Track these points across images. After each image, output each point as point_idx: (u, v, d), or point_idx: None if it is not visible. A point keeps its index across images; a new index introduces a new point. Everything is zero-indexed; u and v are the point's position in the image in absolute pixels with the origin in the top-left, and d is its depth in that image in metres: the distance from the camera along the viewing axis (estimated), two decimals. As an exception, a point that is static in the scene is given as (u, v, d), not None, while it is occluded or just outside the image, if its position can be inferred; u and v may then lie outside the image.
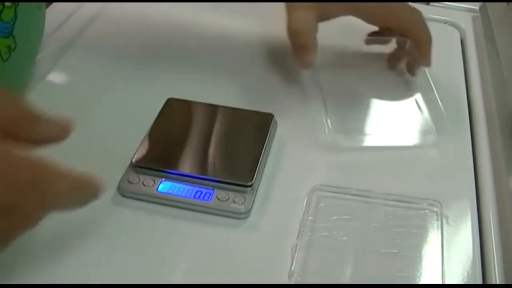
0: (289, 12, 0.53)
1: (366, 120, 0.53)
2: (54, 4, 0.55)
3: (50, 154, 0.48)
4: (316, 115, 0.53)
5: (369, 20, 0.55)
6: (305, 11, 0.53)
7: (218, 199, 0.43)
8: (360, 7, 0.53)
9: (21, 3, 0.46)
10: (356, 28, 0.56)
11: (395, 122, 0.53)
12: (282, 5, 0.70)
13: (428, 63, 0.55)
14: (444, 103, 0.54)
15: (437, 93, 0.54)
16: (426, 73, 0.55)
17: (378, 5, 0.54)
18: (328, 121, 0.52)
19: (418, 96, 0.55)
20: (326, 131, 0.51)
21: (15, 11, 0.46)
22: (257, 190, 0.45)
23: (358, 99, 0.55)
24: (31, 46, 0.52)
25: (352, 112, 0.54)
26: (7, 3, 0.44)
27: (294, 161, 0.49)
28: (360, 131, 0.52)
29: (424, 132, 0.52)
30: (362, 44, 0.59)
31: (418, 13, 0.55)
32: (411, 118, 0.53)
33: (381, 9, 0.54)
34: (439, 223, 0.43)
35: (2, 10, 0.44)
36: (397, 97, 0.56)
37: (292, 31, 0.53)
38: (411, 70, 0.57)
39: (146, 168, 0.45)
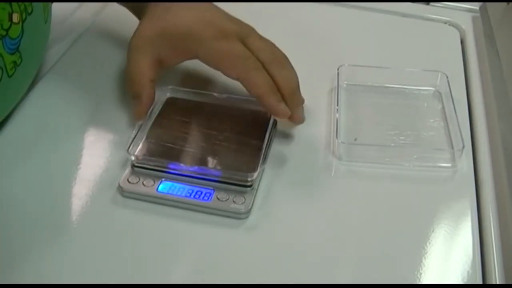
0: (128, 56, 0.51)
1: (369, 123, 0.53)
2: (54, 4, 0.55)
3: (50, 153, 0.48)
4: (318, 114, 0.53)
5: (214, 67, 0.50)
6: (142, 58, 0.50)
7: (218, 199, 0.43)
8: (200, 54, 0.49)
9: (28, 19, 0.46)
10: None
11: (397, 122, 0.53)
12: (280, 5, 0.70)
13: (277, 115, 0.48)
14: (443, 104, 0.54)
15: (439, 94, 0.55)
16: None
17: (218, 52, 0.48)
18: (333, 122, 0.52)
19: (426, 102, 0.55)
20: (330, 131, 0.51)
21: (22, 28, 0.46)
22: (257, 190, 0.45)
23: (360, 101, 0.55)
24: (36, 59, 0.52)
25: (355, 114, 0.54)
26: (14, 20, 0.44)
27: (295, 161, 0.49)
28: (364, 137, 0.51)
29: (424, 134, 0.52)
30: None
31: (248, 50, 0.48)
32: (409, 120, 0.53)
33: (218, 60, 0.49)
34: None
35: (10, 27, 0.44)
36: (403, 103, 0.56)
37: (127, 79, 0.51)
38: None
39: (146, 168, 0.45)
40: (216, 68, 0.49)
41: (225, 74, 0.49)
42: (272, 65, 0.48)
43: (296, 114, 0.49)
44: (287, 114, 0.48)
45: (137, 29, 0.51)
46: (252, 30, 0.51)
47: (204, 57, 0.49)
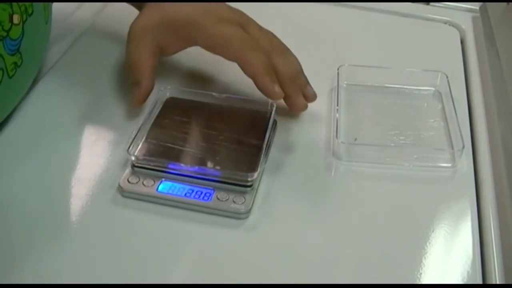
0: (128, 44, 0.52)
1: (369, 123, 0.53)
2: (54, 4, 0.55)
3: (50, 153, 0.48)
4: (319, 114, 0.53)
5: (212, 52, 0.50)
6: (142, 46, 0.51)
7: (218, 199, 0.43)
8: (200, 39, 0.50)
9: (29, 20, 0.46)
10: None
11: (397, 122, 0.53)
12: (280, 5, 0.70)
13: (268, 96, 0.48)
14: (443, 104, 0.54)
15: (439, 94, 0.55)
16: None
17: (213, 38, 0.49)
18: (333, 122, 0.52)
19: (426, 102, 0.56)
20: (330, 131, 0.51)
21: (23, 29, 0.46)
22: (257, 190, 0.45)
23: (360, 101, 0.55)
24: (36, 60, 0.52)
25: (355, 114, 0.54)
26: (15, 21, 0.44)
27: (295, 161, 0.49)
28: (365, 139, 0.51)
29: (424, 134, 0.52)
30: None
31: (248, 35, 0.49)
32: (409, 120, 0.53)
33: (216, 41, 0.49)
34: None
35: (10, 28, 0.44)
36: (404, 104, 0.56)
37: (127, 66, 0.52)
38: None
39: (146, 168, 0.45)
40: (215, 51, 0.50)
41: (222, 56, 0.50)
42: (272, 53, 0.49)
43: (296, 101, 0.50)
44: (280, 96, 0.48)
45: (137, 18, 0.52)
46: (251, 20, 0.52)
47: (203, 42, 0.50)
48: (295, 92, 0.50)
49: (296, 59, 0.51)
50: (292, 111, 0.51)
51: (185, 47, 0.53)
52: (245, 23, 0.51)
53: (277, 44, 0.51)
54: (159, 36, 0.51)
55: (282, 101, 0.52)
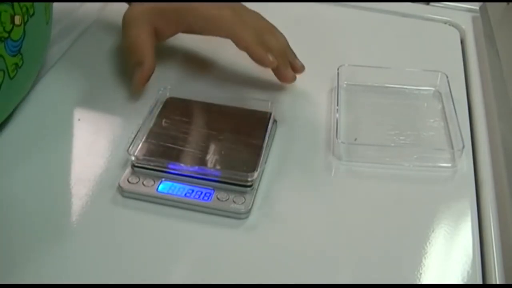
0: (125, 28, 0.53)
1: (369, 123, 0.53)
2: (55, 4, 0.55)
3: (50, 153, 0.48)
4: (319, 114, 0.53)
5: (206, 33, 0.54)
6: (140, 28, 0.53)
7: (218, 199, 0.44)
8: (193, 22, 0.52)
9: (30, 21, 0.46)
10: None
11: (397, 122, 0.53)
12: (280, 4, 0.70)
13: (262, 64, 0.51)
14: (443, 104, 0.54)
15: (439, 94, 0.55)
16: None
17: (205, 18, 0.52)
18: (333, 122, 0.52)
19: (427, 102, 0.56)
20: (330, 131, 0.51)
21: (24, 30, 0.46)
22: (257, 190, 0.45)
23: (360, 101, 0.55)
24: (37, 61, 0.52)
25: (355, 114, 0.54)
26: (16, 22, 0.44)
27: (295, 161, 0.49)
28: (365, 138, 0.51)
29: (424, 134, 0.52)
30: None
31: (237, 15, 0.52)
32: (409, 120, 0.53)
33: (208, 21, 0.52)
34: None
35: (12, 29, 0.44)
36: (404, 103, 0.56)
37: (126, 49, 0.53)
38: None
39: (146, 168, 0.45)
40: (208, 31, 0.53)
41: (216, 35, 0.52)
42: (261, 31, 0.52)
43: (286, 73, 0.54)
44: (273, 63, 0.51)
45: (128, 8, 0.54)
46: (242, 5, 0.54)
47: (196, 23, 0.52)
48: (284, 64, 0.53)
49: (283, 36, 0.54)
50: (282, 81, 0.54)
51: (179, 31, 0.55)
52: (236, 7, 0.53)
53: (265, 23, 0.54)
54: (153, 19, 0.53)
55: (282, 101, 0.52)
